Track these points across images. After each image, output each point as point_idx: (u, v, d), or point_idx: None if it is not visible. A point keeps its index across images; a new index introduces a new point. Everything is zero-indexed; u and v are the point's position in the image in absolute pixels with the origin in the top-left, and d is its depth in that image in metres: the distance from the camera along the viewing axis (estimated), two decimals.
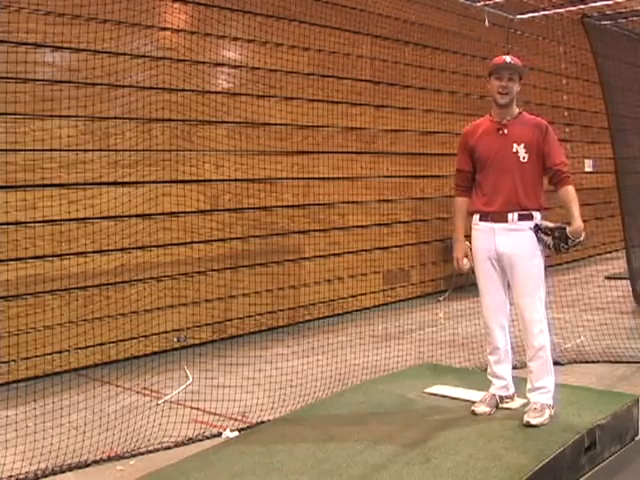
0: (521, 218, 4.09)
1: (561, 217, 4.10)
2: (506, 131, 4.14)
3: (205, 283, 7.13)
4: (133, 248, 6.59)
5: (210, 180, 7.23)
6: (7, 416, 4.87)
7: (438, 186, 9.73)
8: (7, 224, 5.85)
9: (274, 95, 7.72)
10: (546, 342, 4.13)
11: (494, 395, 4.32)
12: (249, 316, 7.55)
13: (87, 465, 4.33)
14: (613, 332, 6.88)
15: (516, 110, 4.20)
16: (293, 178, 7.98)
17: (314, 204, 8.23)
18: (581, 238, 4.04)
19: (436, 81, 9.65)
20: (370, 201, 8.89)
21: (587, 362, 6.24)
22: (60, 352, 6.11)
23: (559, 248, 4.06)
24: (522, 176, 4.08)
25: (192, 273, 7.08)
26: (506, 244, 4.11)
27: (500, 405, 4.31)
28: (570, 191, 4.09)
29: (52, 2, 5.92)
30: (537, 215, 4.13)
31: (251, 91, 7.57)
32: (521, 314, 4.16)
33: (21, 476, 4.18)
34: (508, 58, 4.18)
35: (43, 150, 6.00)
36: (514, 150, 4.09)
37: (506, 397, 4.35)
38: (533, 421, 4.01)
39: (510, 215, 4.10)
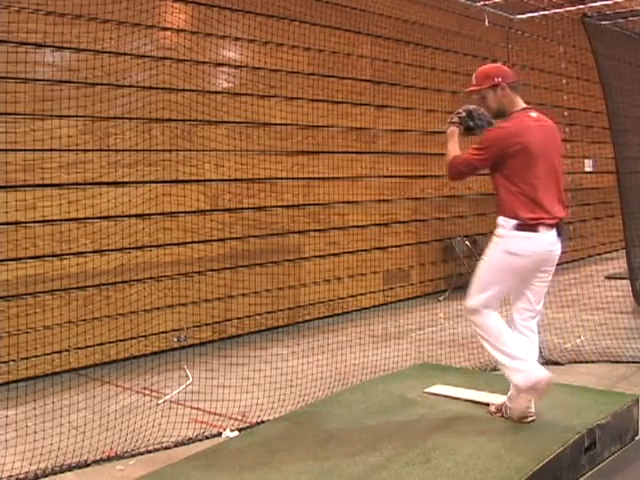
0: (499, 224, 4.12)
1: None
2: None
3: (205, 283, 7.13)
4: (133, 248, 6.59)
5: (210, 180, 7.23)
6: (7, 416, 4.87)
7: (438, 186, 9.73)
8: (6, 224, 5.85)
9: (275, 95, 7.72)
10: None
11: None
12: (249, 316, 7.55)
13: (87, 465, 4.33)
14: (613, 332, 6.89)
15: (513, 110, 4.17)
16: (293, 178, 7.98)
17: (314, 204, 8.23)
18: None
19: (437, 81, 9.65)
20: (370, 201, 8.89)
21: (587, 362, 6.24)
22: (60, 352, 6.11)
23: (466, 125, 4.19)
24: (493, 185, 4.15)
25: (192, 273, 7.08)
26: None
27: None
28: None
29: (53, 2, 5.92)
30: (506, 222, 4.03)
31: (252, 91, 7.57)
32: None
33: (21, 476, 4.18)
34: (473, 79, 4.16)
35: (43, 150, 6.00)
36: None
37: None
38: None
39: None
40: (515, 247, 3.99)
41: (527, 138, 3.95)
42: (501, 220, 4.04)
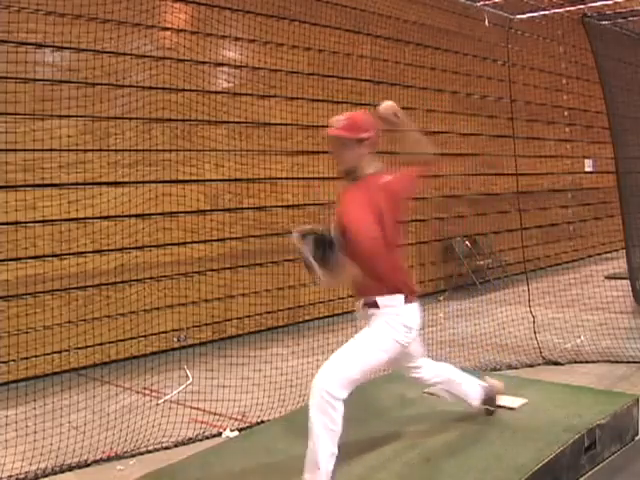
0: None
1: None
2: None
3: (205, 283, 7.13)
4: (133, 248, 6.60)
5: (210, 180, 7.23)
6: (7, 416, 4.87)
7: (437, 186, 9.72)
8: (6, 224, 5.85)
9: (275, 95, 7.72)
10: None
11: None
12: (248, 316, 7.55)
13: (87, 465, 4.33)
14: (613, 332, 6.88)
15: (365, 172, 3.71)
16: (293, 178, 7.98)
17: (314, 204, 8.23)
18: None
19: (437, 81, 9.65)
20: None
21: (587, 362, 6.24)
22: (60, 352, 6.11)
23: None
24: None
25: (191, 273, 7.08)
26: None
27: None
28: None
29: (53, 2, 5.91)
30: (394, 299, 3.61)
31: (252, 91, 7.57)
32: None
33: (21, 476, 4.18)
34: (342, 120, 3.59)
35: (43, 150, 6.01)
36: None
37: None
38: None
39: None
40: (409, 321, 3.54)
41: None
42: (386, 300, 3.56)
